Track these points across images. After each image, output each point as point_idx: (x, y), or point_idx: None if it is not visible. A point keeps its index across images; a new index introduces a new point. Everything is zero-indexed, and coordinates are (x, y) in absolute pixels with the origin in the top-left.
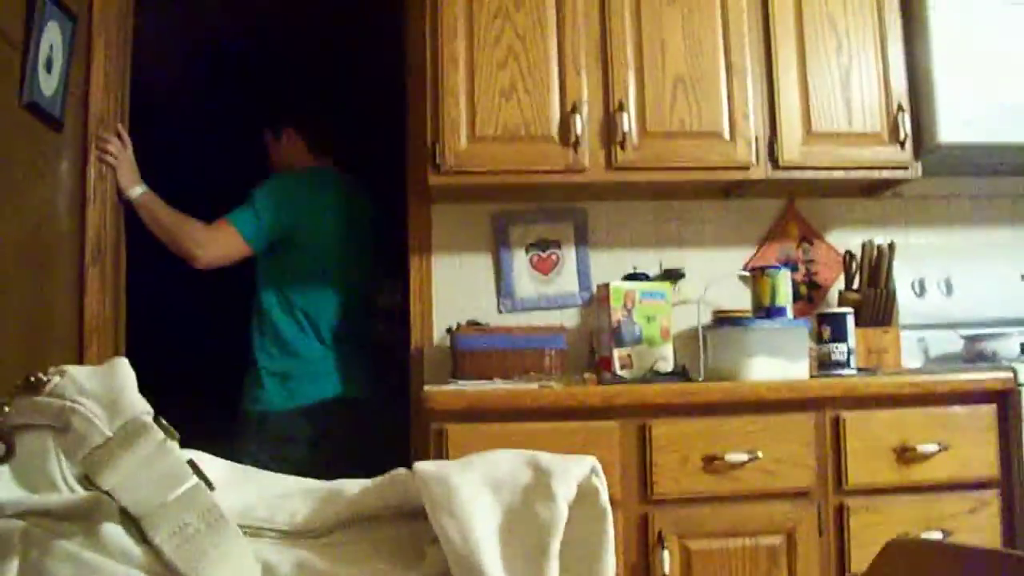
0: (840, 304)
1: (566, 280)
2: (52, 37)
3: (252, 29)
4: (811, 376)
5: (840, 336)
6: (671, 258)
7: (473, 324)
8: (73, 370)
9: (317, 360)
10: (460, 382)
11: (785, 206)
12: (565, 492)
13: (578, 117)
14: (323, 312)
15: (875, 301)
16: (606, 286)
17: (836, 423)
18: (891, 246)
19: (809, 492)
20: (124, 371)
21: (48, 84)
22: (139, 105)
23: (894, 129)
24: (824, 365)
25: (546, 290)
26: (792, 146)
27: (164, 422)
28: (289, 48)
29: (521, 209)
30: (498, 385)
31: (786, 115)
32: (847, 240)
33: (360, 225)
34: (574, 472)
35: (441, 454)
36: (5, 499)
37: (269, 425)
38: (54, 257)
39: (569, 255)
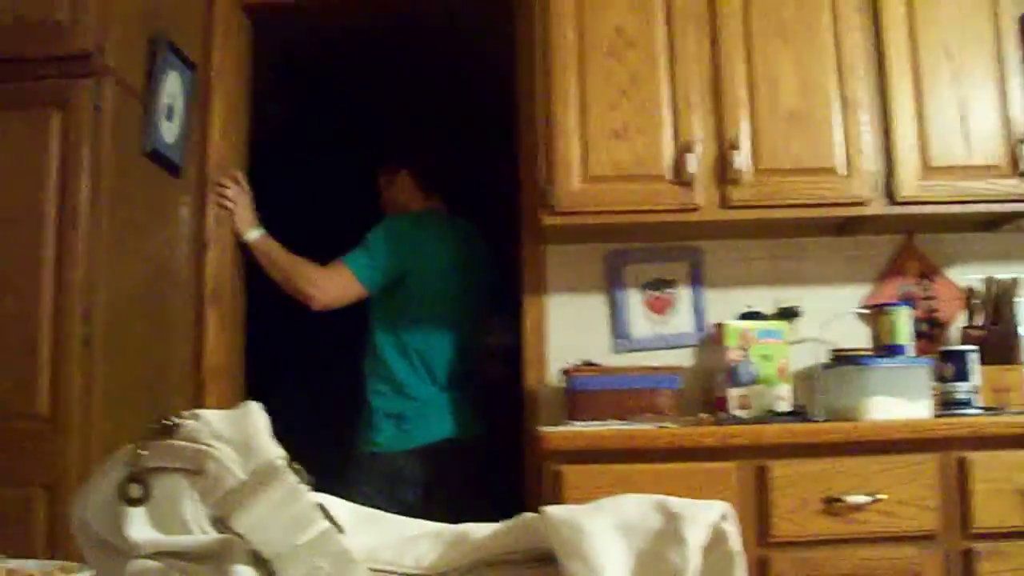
0: (963, 342)
1: (681, 319)
2: (172, 86)
3: (365, 71)
4: (934, 416)
5: (963, 375)
6: (786, 296)
7: (588, 364)
8: (207, 414)
9: (430, 401)
10: (575, 423)
11: (903, 242)
12: (696, 537)
13: (691, 155)
14: (436, 353)
15: (999, 338)
16: (721, 325)
17: (961, 464)
18: (1015, 281)
19: (934, 535)
20: (256, 415)
21: (169, 132)
22: (256, 150)
23: (1014, 161)
24: (947, 404)
25: (661, 330)
26: (909, 180)
27: (296, 466)
28: (402, 91)
29: (635, 248)
30: (613, 426)
31: (902, 148)
32: (968, 275)
33: (472, 266)
34: (705, 517)
35: (556, 496)
36: (141, 539)
37: (382, 467)
38: (174, 300)
39: (684, 294)
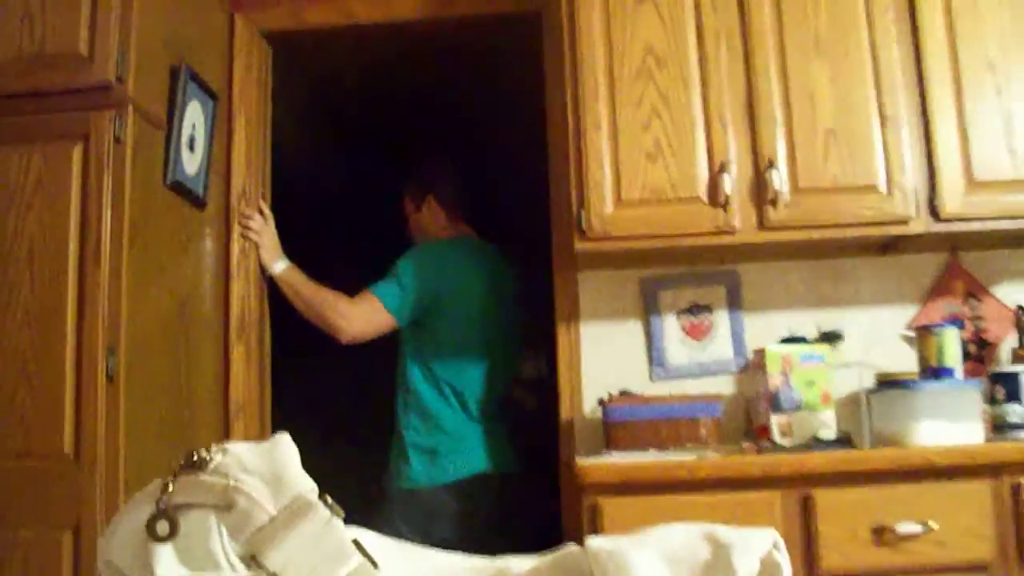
0: (1013, 362)
1: (720, 346)
2: (194, 116)
3: (390, 99)
4: (985, 440)
5: (1015, 396)
6: (828, 319)
7: (625, 394)
8: (236, 448)
9: (464, 434)
10: (613, 454)
11: (948, 260)
12: (746, 568)
13: (726, 176)
14: (469, 385)
15: None
16: (762, 351)
17: (1015, 491)
18: None
19: (988, 566)
20: (287, 448)
21: (191, 162)
22: (280, 180)
23: None
24: (999, 428)
25: (699, 356)
26: (953, 197)
27: (329, 499)
28: (428, 117)
29: (671, 273)
30: (653, 456)
31: (945, 164)
32: (1017, 294)
33: (504, 294)
34: (755, 546)
35: (595, 529)
36: None
37: (416, 501)
38: (199, 334)
39: (722, 319)
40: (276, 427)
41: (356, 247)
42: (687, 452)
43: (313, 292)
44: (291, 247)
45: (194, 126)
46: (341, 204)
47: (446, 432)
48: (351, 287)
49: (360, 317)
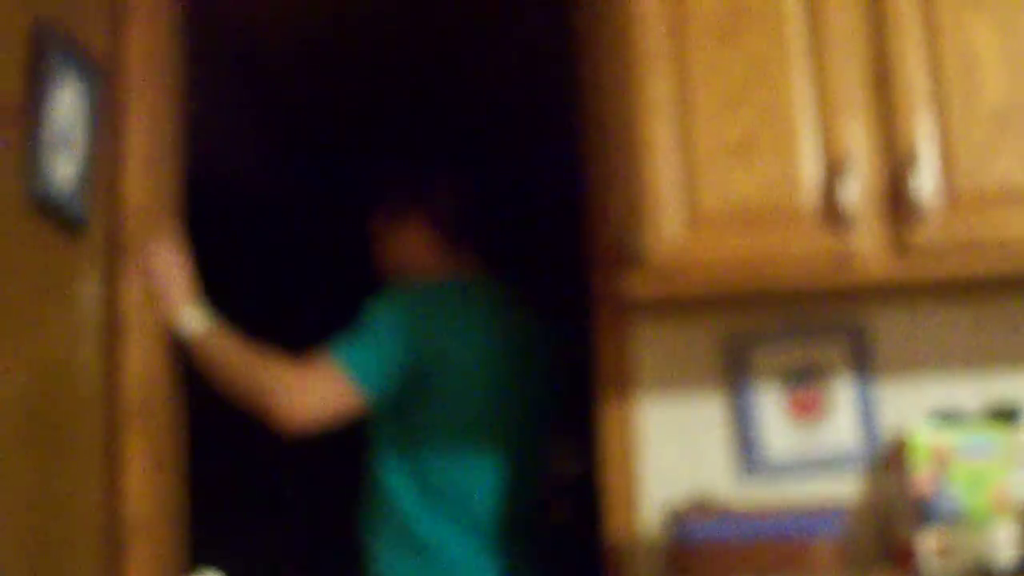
0: None
1: (839, 428)
2: (68, 101)
3: (356, 75)
4: None
5: None
6: (1002, 387)
7: (703, 503)
8: None
9: (468, 568)
10: None
11: None
12: None
13: (847, 180)
14: (473, 493)
15: None
16: (903, 436)
17: None
18: None
19: None
20: None
21: (63, 169)
22: (199, 193)
23: None
24: None
25: (811, 445)
26: None
27: None
28: (411, 107)
29: (767, 325)
30: None
31: None
32: None
33: (529, 361)
34: None
35: None
36: None
37: None
38: (75, 421)
39: (842, 390)
40: (195, 555)
41: (313, 287)
42: None
43: (243, 361)
44: (214, 292)
45: (68, 116)
46: (290, 225)
47: (440, 563)
48: (299, 349)
49: (311, 394)
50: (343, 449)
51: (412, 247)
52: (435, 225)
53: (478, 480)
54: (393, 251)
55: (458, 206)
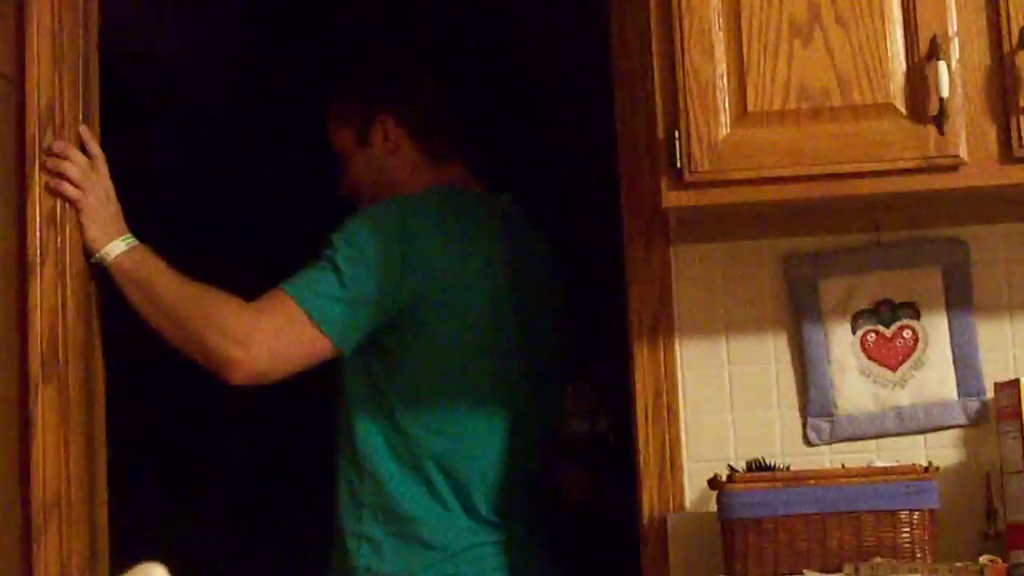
0: None
1: (933, 376)
2: None
3: None
4: None
5: None
6: None
7: (760, 468)
8: None
9: (466, 553)
10: None
11: None
12: None
13: (942, 66)
14: (473, 461)
15: None
16: (1014, 384)
17: None
18: None
19: None
20: None
21: None
22: (121, 90)
23: None
24: None
25: (896, 398)
26: None
27: None
28: None
29: (840, 245)
30: None
31: None
32: None
33: (540, 294)
34: None
35: None
36: None
37: None
38: None
39: (936, 328)
40: (120, 540)
41: (277, 219)
42: (879, 573)
43: (179, 292)
44: (146, 221)
45: None
46: (245, 136)
47: (432, 547)
48: (248, 288)
49: (269, 336)
50: (310, 401)
51: (389, 161)
52: (413, 130)
53: (475, 445)
54: (361, 168)
55: (446, 109)
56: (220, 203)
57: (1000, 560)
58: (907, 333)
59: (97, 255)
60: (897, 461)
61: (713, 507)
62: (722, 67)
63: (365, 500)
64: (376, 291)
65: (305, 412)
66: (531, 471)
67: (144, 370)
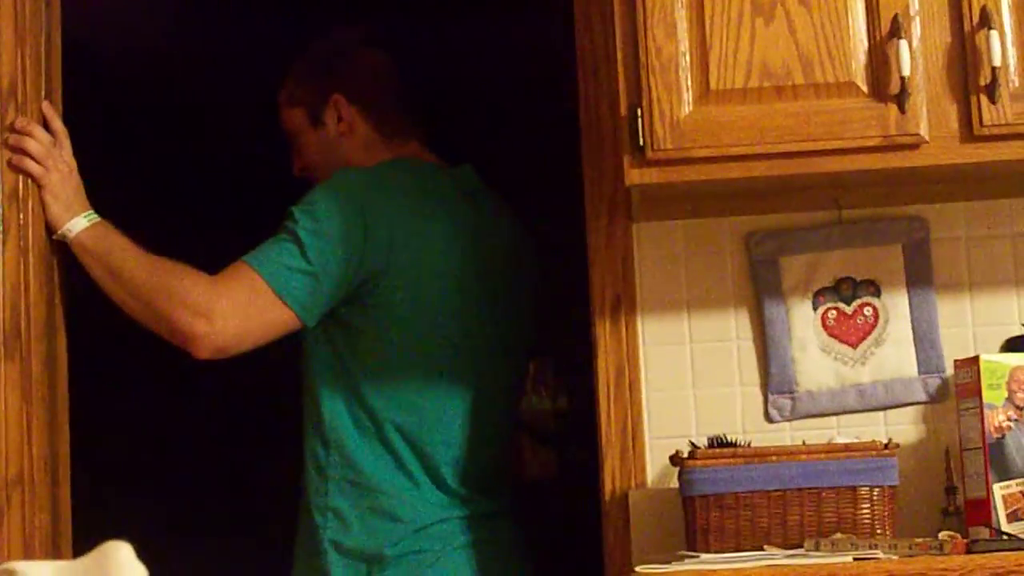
0: None
1: (893, 354)
2: None
3: None
4: None
5: None
6: None
7: (721, 444)
8: (27, 568)
9: (435, 528)
10: (702, 556)
11: None
12: None
13: (902, 44)
14: (438, 434)
15: None
16: (973, 362)
17: None
18: None
19: None
20: (124, 564)
21: None
22: (77, 71)
23: None
24: None
25: (856, 375)
26: None
27: None
28: None
29: (802, 223)
30: (776, 561)
31: None
32: None
33: (508, 265)
34: None
35: None
36: None
37: None
38: None
39: (896, 306)
40: (82, 515)
41: (217, 190)
42: (839, 551)
43: (142, 267)
44: (106, 195)
45: None
46: (189, 113)
47: (399, 521)
48: (209, 263)
49: (232, 309)
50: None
51: (339, 139)
52: (366, 108)
53: (439, 416)
54: (317, 147)
55: (395, 83)
56: (183, 173)
57: (959, 536)
58: (868, 310)
59: (60, 231)
60: (858, 438)
61: (675, 483)
62: (684, 45)
63: (331, 473)
64: (338, 263)
65: (273, 387)
66: (498, 445)
67: (108, 346)
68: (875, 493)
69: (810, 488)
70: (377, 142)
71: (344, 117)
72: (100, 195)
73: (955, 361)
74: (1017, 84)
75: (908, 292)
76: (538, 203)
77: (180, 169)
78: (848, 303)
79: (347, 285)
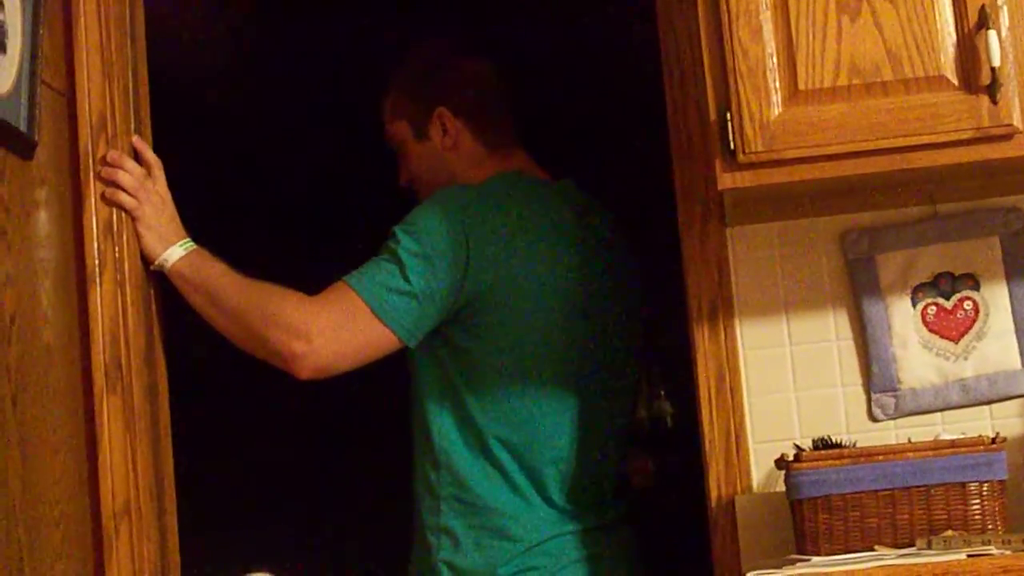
0: None
1: (996, 347)
2: None
3: None
4: None
5: None
6: None
7: (826, 445)
8: None
9: (545, 543)
10: (813, 560)
11: None
12: None
13: (992, 35)
14: (547, 451)
15: None
16: None
17: None
18: None
19: None
20: None
21: (1, 72)
22: (175, 99)
23: None
24: None
25: (959, 369)
26: None
27: None
28: None
29: (897, 219)
30: (888, 561)
31: None
32: None
33: (614, 279)
34: None
35: None
36: None
37: None
38: (36, 385)
39: (996, 299)
40: (188, 540)
41: (336, 226)
42: (950, 548)
43: (240, 291)
44: (200, 224)
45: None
46: (279, 141)
47: (512, 539)
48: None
49: (332, 330)
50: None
51: (444, 152)
52: (472, 121)
53: (550, 433)
54: (421, 162)
55: (500, 96)
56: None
57: None
58: (968, 304)
59: (156, 262)
60: (963, 433)
61: (781, 487)
62: (771, 47)
63: (443, 492)
64: (439, 284)
65: (376, 412)
66: (608, 458)
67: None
68: (984, 488)
69: (918, 486)
70: (483, 155)
71: (449, 131)
72: (195, 223)
73: None
74: None
75: (1008, 284)
76: (632, 208)
77: (267, 190)
78: (947, 298)
79: (450, 306)
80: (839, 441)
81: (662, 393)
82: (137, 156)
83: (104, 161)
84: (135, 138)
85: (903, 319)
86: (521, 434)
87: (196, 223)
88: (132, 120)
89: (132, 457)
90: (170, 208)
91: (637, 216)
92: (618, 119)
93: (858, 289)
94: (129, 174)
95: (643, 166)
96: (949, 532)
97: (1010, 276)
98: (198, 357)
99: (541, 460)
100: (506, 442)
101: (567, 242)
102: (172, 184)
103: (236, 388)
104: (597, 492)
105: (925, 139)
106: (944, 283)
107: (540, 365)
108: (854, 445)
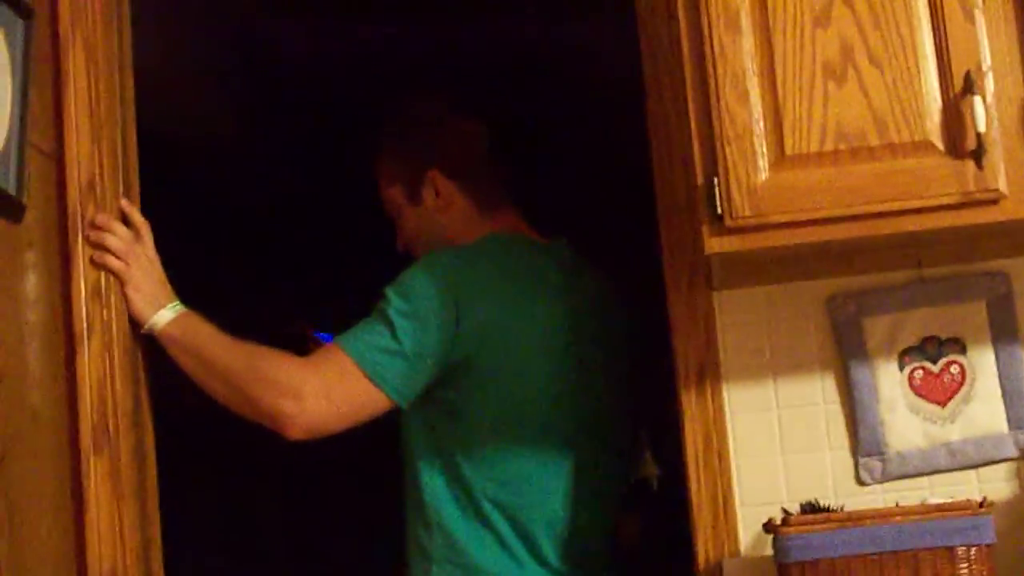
0: None
1: (983, 411)
2: None
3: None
4: None
5: None
6: None
7: (814, 509)
8: None
9: None
10: None
11: None
12: None
13: (977, 101)
14: (539, 512)
15: None
16: None
17: None
18: None
19: None
20: None
21: None
22: (160, 160)
23: None
24: None
25: (946, 433)
26: None
27: None
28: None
29: (883, 283)
30: None
31: None
32: None
33: (605, 338)
34: None
35: None
36: None
37: None
38: (22, 450)
39: (984, 362)
40: None
41: (310, 276)
42: None
43: (230, 352)
44: (187, 283)
45: None
46: (285, 199)
47: None
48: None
49: (321, 391)
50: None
51: (439, 214)
52: (463, 182)
53: (540, 502)
54: (415, 225)
55: (491, 156)
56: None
57: None
58: (954, 368)
59: (146, 325)
60: (951, 497)
61: (769, 551)
62: (758, 112)
63: (435, 554)
64: (430, 345)
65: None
66: (600, 520)
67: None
68: (972, 552)
69: (906, 550)
70: (475, 215)
71: (442, 193)
72: (183, 283)
73: None
74: None
75: (994, 348)
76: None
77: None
78: (934, 362)
79: (440, 366)
80: (827, 505)
81: (648, 455)
82: (125, 219)
83: (92, 224)
84: (123, 201)
85: (890, 383)
86: (514, 495)
87: (185, 285)
88: (121, 183)
89: (119, 520)
90: (158, 271)
91: (625, 277)
92: (608, 180)
93: (845, 353)
94: (118, 237)
95: (632, 229)
96: None
97: (996, 340)
98: (187, 417)
99: (534, 521)
100: (499, 503)
101: (558, 305)
102: (160, 247)
103: (225, 447)
104: (590, 553)
105: (911, 204)
106: (931, 347)
107: (531, 426)
108: (842, 509)
